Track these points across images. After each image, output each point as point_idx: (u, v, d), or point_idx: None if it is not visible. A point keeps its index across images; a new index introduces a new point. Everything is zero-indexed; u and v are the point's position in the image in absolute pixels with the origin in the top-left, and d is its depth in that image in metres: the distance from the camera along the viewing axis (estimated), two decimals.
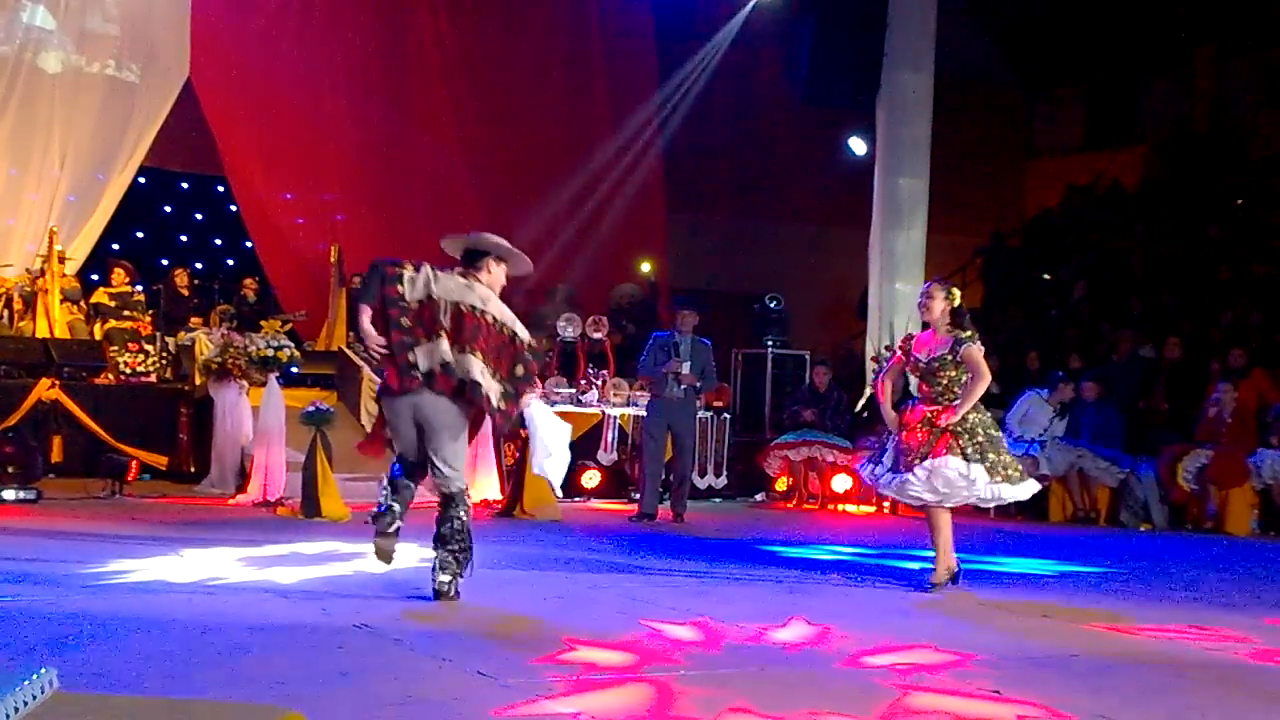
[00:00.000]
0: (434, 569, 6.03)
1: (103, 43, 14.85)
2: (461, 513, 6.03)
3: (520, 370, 6.02)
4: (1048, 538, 10.36)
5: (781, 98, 17.60)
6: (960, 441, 6.76)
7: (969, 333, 6.91)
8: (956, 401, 6.83)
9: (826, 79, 15.81)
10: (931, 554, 7.06)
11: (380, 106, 16.23)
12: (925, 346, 7.01)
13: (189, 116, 15.05)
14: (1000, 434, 7.12)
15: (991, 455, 6.78)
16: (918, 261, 14.84)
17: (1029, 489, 7.01)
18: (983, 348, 7.01)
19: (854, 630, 5.57)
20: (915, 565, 8.10)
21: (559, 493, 10.55)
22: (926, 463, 6.76)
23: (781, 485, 12.95)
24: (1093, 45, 19.29)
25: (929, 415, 6.87)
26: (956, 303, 6.99)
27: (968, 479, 6.75)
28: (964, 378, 6.88)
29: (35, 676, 3.67)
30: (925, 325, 7.15)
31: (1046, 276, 17.44)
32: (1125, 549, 9.68)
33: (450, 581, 5.99)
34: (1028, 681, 4.65)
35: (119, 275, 13.93)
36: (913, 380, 7.25)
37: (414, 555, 7.60)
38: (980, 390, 6.85)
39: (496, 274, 6.18)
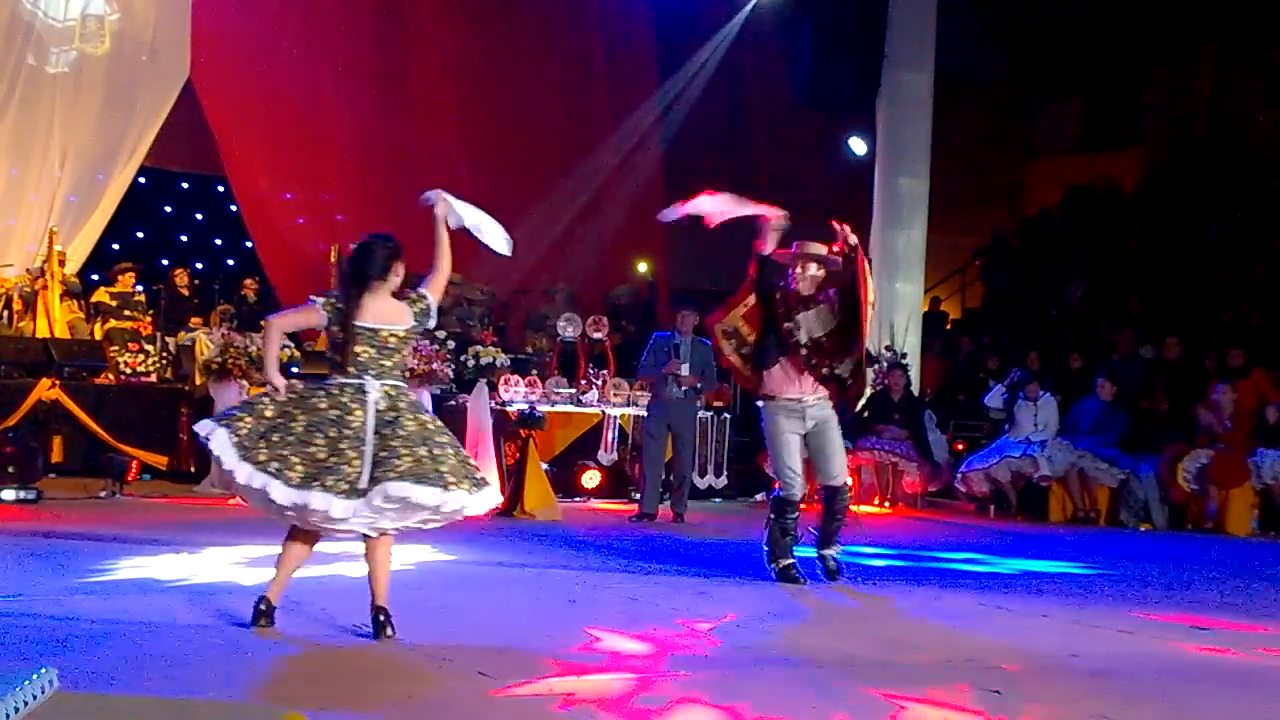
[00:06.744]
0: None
1: (103, 42, 14.83)
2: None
3: None
4: (1048, 538, 10.36)
5: (781, 98, 17.58)
6: None
7: None
8: None
9: (826, 79, 15.81)
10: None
11: (380, 106, 16.21)
12: None
13: (189, 116, 15.03)
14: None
15: None
16: (918, 261, 14.85)
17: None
18: None
19: (854, 630, 5.57)
20: (917, 565, 8.11)
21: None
22: None
23: None
24: (1093, 45, 19.27)
25: None
26: None
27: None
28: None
29: (35, 676, 3.67)
30: None
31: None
32: (1125, 549, 9.68)
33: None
34: (1028, 681, 4.65)
35: (126, 280, 13.89)
36: None
37: (413, 555, 7.60)
38: None
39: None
